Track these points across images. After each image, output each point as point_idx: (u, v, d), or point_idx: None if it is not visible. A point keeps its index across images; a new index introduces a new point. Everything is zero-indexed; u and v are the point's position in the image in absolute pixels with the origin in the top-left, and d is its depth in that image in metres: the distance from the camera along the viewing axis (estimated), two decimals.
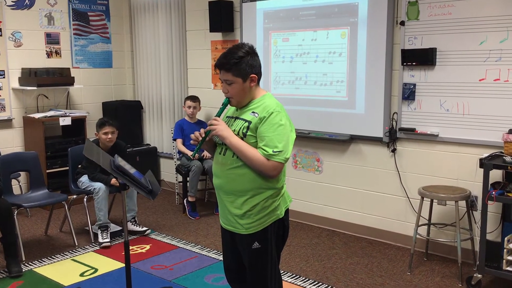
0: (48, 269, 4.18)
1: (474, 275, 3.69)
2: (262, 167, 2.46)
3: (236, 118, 2.60)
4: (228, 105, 2.63)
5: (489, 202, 3.53)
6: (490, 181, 3.59)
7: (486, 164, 3.54)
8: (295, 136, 2.59)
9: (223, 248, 2.81)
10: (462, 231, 4.01)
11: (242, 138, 2.50)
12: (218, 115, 2.63)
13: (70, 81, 6.04)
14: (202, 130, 2.61)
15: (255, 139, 2.49)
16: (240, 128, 2.52)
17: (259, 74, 2.57)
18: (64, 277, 4.01)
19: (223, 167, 2.57)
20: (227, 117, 2.69)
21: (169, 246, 4.68)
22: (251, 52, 2.54)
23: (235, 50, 2.52)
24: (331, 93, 4.87)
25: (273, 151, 2.44)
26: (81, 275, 4.06)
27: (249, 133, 2.50)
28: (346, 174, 4.91)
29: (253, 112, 2.53)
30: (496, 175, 3.79)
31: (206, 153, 5.46)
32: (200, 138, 2.59)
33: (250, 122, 2.50)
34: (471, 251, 4.08)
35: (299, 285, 3.84)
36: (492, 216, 3.97)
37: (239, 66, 2.48)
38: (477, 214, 3.97)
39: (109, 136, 4.74)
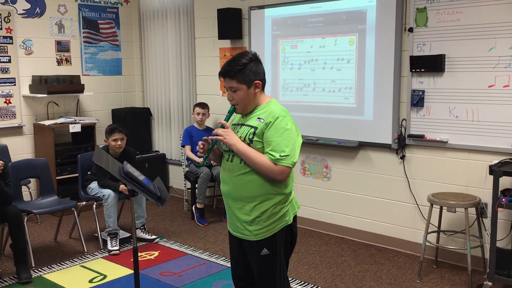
0: (58, 276, 4.19)
1: (484, 283, 3.65)
2: (270, 172, 2.46)
3: (242, 124, 2.61)
4: (234, 112, 2.65)
5: (499, 209, 3.50)
6: (500, 188, 3.56)
7: (495, 171, 3.52)
8: (301, 141, 2.60)
9: (231, 255, 2.81)
10: (472, 239, 3.98)
11: (248, 144, 2.51)
12: None
13: (80, 89, 6.10)
14: (204, 138, 2.63)
15: (262, 144, 2.50)
16: (246, 134, 2.53)
17: (263, 81, 2.60)
18: (73, 284, 4.03)
19: (231, 174, 2.58)
20: (233, 124, 2.70)
21: (177, 252, 4.68)
22: (255, 59, 2.56)
23: (238, 57, 2.55)
24: (339, 99, 4.87)
25: (280, 156, 2.44)
26: (90, 281, 4.08)
27: (255, 138, 2.51)
28: (354, 181, 4.90)
29: (258, 118, 2.54)
30: (506, 182, 3.76)
31: None
32: (202, 147, 2.61)
33: (256, 128, 2.51)
34: (481, 258, 4.05)
35: None
36: (502, 223, 3.95)
37: (243, 73, 2.51)
38: (487, 221, 3.93)
39: (119, 142, 4.76)
